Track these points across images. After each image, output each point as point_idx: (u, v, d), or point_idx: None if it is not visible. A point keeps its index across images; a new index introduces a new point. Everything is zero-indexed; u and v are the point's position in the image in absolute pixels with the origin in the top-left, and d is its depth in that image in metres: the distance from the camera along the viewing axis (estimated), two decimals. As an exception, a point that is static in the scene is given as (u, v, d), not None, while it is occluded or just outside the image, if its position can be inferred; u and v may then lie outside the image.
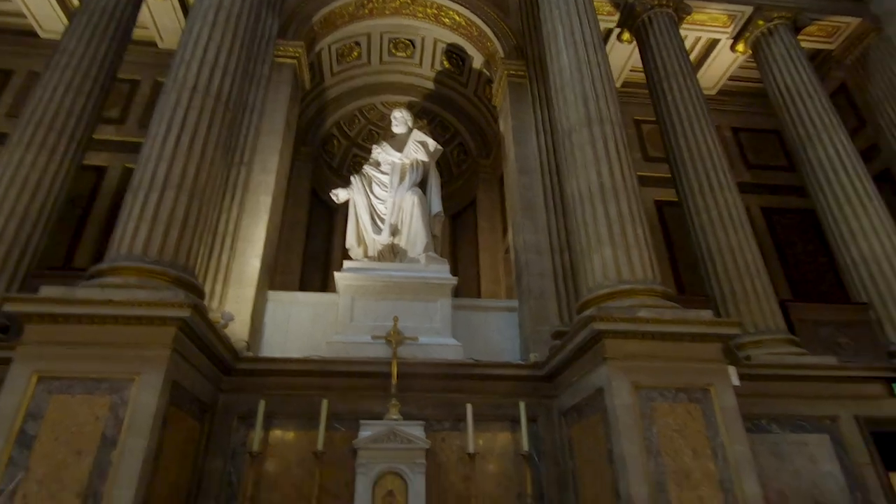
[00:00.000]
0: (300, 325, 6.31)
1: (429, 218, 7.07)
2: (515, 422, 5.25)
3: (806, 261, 9.72)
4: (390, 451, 4.77)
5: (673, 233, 9.43)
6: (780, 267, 9.64)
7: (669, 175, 7.97)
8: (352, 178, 7.63)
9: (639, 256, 5.04)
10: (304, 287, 9.35)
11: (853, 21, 9.43)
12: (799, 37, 9.17)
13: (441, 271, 6.49)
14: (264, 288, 6.44)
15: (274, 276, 7.25)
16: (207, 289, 5.63)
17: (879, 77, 9.16)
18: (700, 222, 7.06)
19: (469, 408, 5.11)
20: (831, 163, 7.57)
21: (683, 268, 8.92)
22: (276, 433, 5.20)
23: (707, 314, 4.56)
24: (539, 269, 6.52)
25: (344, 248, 7.55)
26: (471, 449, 4.96)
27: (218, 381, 5.22)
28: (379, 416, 5.12)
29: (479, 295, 9.85)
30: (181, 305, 4.01)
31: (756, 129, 11.16)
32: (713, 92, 11.13)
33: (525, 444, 5.04)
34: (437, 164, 8.10)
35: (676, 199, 7.85)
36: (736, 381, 4.45)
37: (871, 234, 6.95)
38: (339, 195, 7.50)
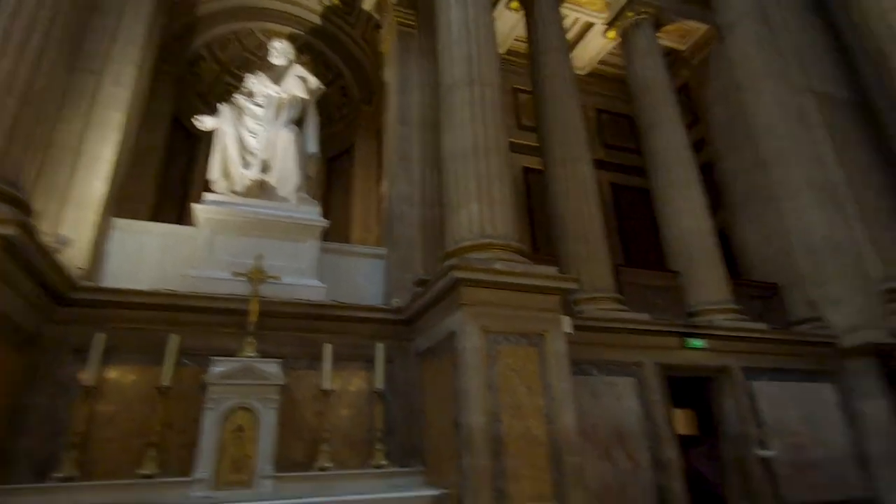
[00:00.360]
0: (151, 258, 5.84)
1: (303, 158, 6.85)
2: (372, 362, 5.50)
3: (640, 232, 11.19)
4: (243, 387, 4.75)
5: (535, 198, 10.23)
6: (619, 236, 11.01)
7: (538, 144, 8.58)
8: (221, 107, 7.05)
9: (501, 213, 5.46)
10: (157, 218, 8.51)
11: (702, 27, 10.74)
12: (659, 33, 10.23)
13: (312, 213, 6.40)
14: (110, 214, 5.82)
15: (123, 204, 6.56)
16: (39, 208, 4.94)
17: (715, 81, 10.63)
18: (556, 190, 7.77)
19: (328, 347, 5.25)
20: (666, 150, 8.73)
21: (540, 230, 9.77)
22: (118, 369, 4.87)
23: (552, 270, 5.14)
24: (410, 220, 6.73)
25: (206, 180, 7.03)
26: (326, 386, 5.13)
27: (49, 310, 4.70)
28: (234, 354, 5.03)
29: (349, 241, 9.86)
30: (4, 222, 3.52)
31: (615, 113, 12.36)
32: (584, 72, 12.04)
33: (379, 383, 5.34)
34: (317, 104, 7.79)
35: (541, 168, 8.51)
36: (569, 329, 5.13)
37: (687, 214, 8.23)
38: (206, 122, 6.92)
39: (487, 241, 5.17)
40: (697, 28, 10.79)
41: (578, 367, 6.26)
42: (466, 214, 5.36)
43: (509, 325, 4.82)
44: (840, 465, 7.06)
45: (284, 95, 7.10)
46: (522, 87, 10.95)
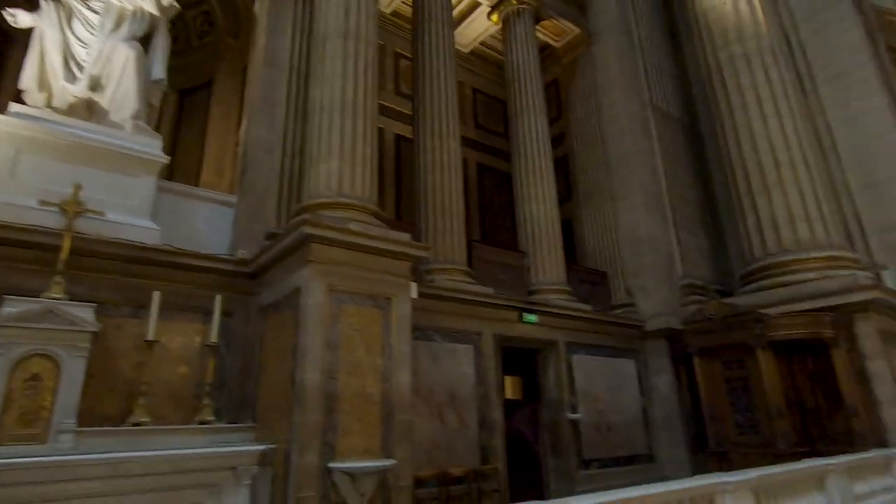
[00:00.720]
0: (-76, 171, 4.75)
1: (145, 82, 6.04)
2: (209, 314, 5.14)
3: (500, 213, 11.89)
4: (44, 332, 4.14)
5: (405, 166, 10.27)
6: (480, 214, 11.58)
7: (412, 112, 8.58)
8: (44, 3, 5.89)
9: (362, 175, 5.40)
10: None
11: (576, 30, 11.52)
12: (538, 27, 10.76)
13: (150, 146, 5.69)
14: None
15: None
16: None
17: (580, 82, 11.53)
18: (424, 161, 7.89)
19: (156, 295, 4.78)
20: (528, 137, 9.31)
21: (407, 199, 9.87)
22: None
23: (405, 237, 5.23)
24: (267, 169, 6.34)
25: (17, 89, 5.87)
26: (151, 336, 4.69)
27: None
28: (38, 295, 4.35)
29: (197, 184, 9.00)
30: None
31: (491, 96, 12.82)
32: (466, 50, 12.26)
33: (214, 336, 5.03)
34: (172, 25, 6.88)
35: (412, 137, 8.55)
36: (414, 295, 5.30)
37: (539, 200, 8.92)
38: (21, 18, 5.75)
39: (345, 200, 5.09)
40: (572, 29, 11.55)
41: (423, 332, 6.55)
42: (326, 171, 5.21)
43: (357, 286, 4.83)
44: (631, 428, 8.37)
45: (129, 6, 6.15)
46: (406, 54, 10.81)
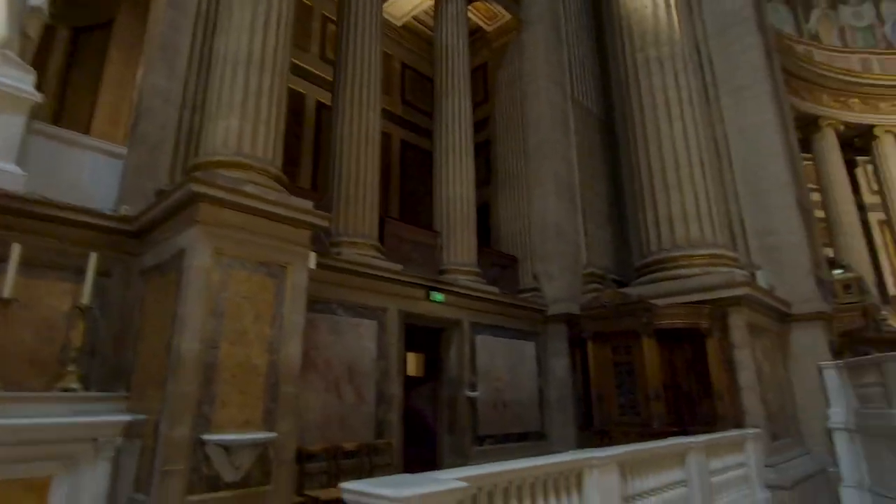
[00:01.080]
0: None
1: (19, 8, 5.31)
2: (82, 273, 4.69)
3: (419, 192, 11.83)
4: None
5: (323, 134, 9.92)
6: (400, 191, 11.46)
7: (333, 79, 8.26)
8: None
9: (265, 135, 5.11)
10: None
11: (508, 15, 11.57)
12: (470, 7, 10.69)
13: (21, 80, 5.02)
14: None
15: None
16: None
17: (508, 68, 11.63)
18: (341, 130, 7.64)
19: (16, 248, 4.28)
20: (452, 117, 9.30)
21: (324, 169, 9.55)
22: None
23: (306, 204, 5.03)
24: (162, 120, 5.84)
25: None
26: (6, 294, 4.20)
27: None
28: None
29: (89, 133, 8.15)
30: None
31: (420, 73, 12.64)
32: (399, 23, 11.97)
33: (86, 298, 4.59)
34: (59, -54, 6.11)
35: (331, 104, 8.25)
36: (312, 265, 5.13)
37: (457, 182, 8.96)
38: None
39: (243, 160, 4.80)
40: (504, 14, 11.59)
41: (327, 305, 6.41)
42: (224, 128, 4.87)
43: (249, 252, 4.59)
44: (527, 407, 8.74)
45: (2, -84, 5.35)
46: (332, 17, 10.37)
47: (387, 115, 11.77)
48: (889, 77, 16.99)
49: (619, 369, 7.63)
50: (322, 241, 5.72)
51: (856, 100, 16.95)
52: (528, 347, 9.07)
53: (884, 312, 14.37)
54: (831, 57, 17.08)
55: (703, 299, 7.47)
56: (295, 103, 10.54)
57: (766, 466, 6.62)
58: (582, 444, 7.93)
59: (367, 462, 6.26)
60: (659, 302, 7.63)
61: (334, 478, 5.77)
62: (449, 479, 2.61)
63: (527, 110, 10.89)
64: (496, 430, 8.13)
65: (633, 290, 8.18)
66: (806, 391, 8.33)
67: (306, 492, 5.38)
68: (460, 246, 8.71)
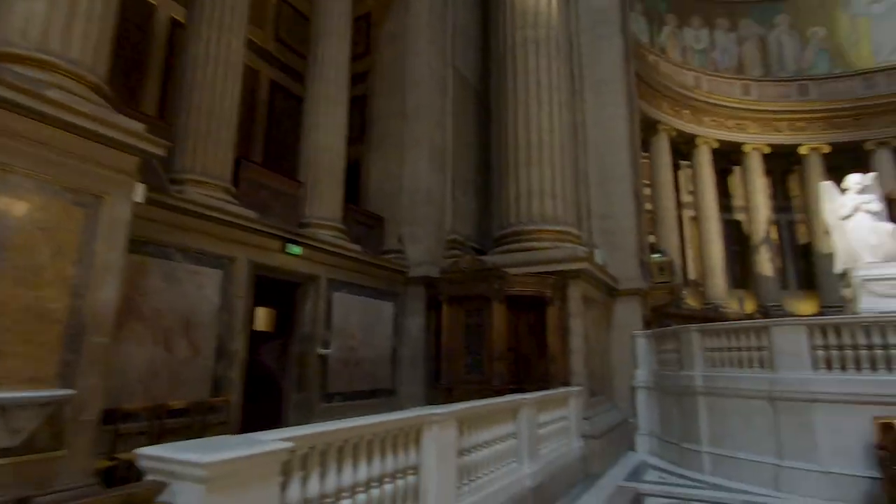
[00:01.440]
0: None
1: None
2: None
3: (287, 140, 11.04)
4: None
5: (177, 57, 8.73)
6: (265, 136, 10.58)
7: (188, -7, 7.19)
8: None
9: (84, 31, 4.21)
10: None
11: (395, -34, 11.05)
12: (355, -53, 9.98)
13: None
14: None
15: None
16: None
17: (390, 24, 11.17)
18: (196, 52, 6.74)
19: None
20: (327, 63, 8.74)
21: (172, 94, 8.41)
22: None
23: (136, 125, 4.30)
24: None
25: None
26: None
27: None
28: None
29: None
30: None
31: (300, 13, 11.63)
32: (276, -51, 10.81)
33: None
34: None
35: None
36: (140, 199, 4.46)
37: (327, 131, 8.49)
38: None
39: (49, 58, 3.93)
40: (393, -34, 11.05)
41: (161, 248, 5.70)
42: (25, 12, 3.93)
43: (51, 173, 3.81)
44: (379, 365, 8.78)
45: None
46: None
47: (256, 50, 10.72)
48: (714, 96, 19.78)
49: (470, 331, 7.96)
50: (158, 174, 4.97)
51: (687, 111, 19.45)
52: (387, 307, 9.06)
53: (684, 292, 17.07)
54: (674, 70, 19.30)
55: (548, 270, 8.05)
56: (141, 15, 9.07)
57: (584, 419, 7.46)
58: (430, 401, 8.19)
59: (200, 421, 5.78)
60: (512, 271, 8.05)
61: (157, 439, 5.22)
62: (271, 439, 2.35)
63: (406, 70, 10.62)
64: (346, 388, 8.05)
65: (490, 259, 8.54)
66: (621, 356, 9.55)
67: (118, 455, 4.80)
68: (325, 199, 8.31)
